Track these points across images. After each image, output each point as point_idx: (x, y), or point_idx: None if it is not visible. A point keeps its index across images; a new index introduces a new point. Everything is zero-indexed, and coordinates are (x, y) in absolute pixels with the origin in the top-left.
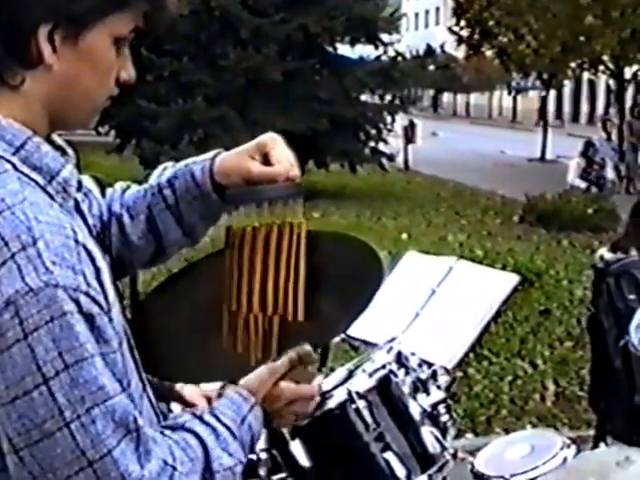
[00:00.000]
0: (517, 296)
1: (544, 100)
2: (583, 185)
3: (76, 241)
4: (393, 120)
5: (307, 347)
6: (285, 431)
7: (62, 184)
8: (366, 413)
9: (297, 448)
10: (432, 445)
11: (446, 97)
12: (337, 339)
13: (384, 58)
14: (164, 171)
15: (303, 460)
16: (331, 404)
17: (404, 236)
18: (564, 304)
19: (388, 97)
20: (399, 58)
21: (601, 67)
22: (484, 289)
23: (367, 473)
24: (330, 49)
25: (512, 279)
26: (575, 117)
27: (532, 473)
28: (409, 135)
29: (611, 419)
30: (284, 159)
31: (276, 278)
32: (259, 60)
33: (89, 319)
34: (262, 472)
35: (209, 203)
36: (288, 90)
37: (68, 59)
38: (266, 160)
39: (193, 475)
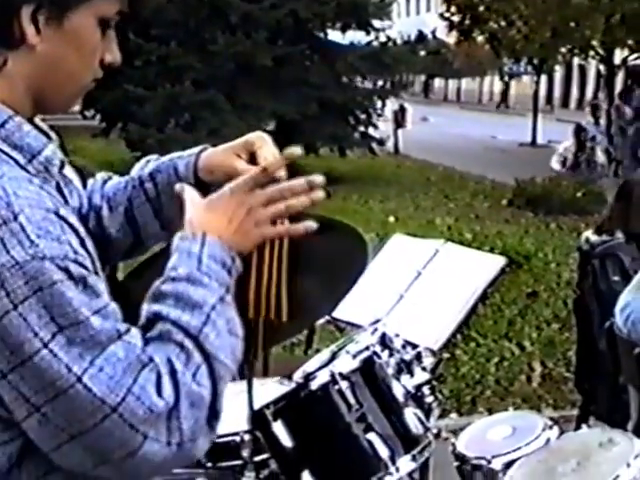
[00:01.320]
0: (505, 278)
1: (536, 85)
2: (559, 168)
3: (57, 214)
4: (384, 105)
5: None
6: (268, 412)
7: (44, 163)
8: (349, 394)
9: (279, 429)
10: (415, 426)
11: (437, 82)
12: (322, 320)
13: (375, 44)
14: (147, 164)
15: (286, 441)
16: (314, 385)
17: (391, 219)
18: (552, 287)
19: (380, 82)
20: (389, 43)
21: (591, 52)
22: (471, 271)
23: (350, 454)
24: (320, 35)
25: (499, 261)
26: (565, 102)
27: (514, 454)
28: (399, 120)
29: (595, 400)
30: (270, 156)
31: (258, 279)
32: (248, 45)
33: (80, 281)
34: (245, 453)
35: None
36: (278, 75)
37: (52, 40)
38: (253, 159)
39: (189, 356)
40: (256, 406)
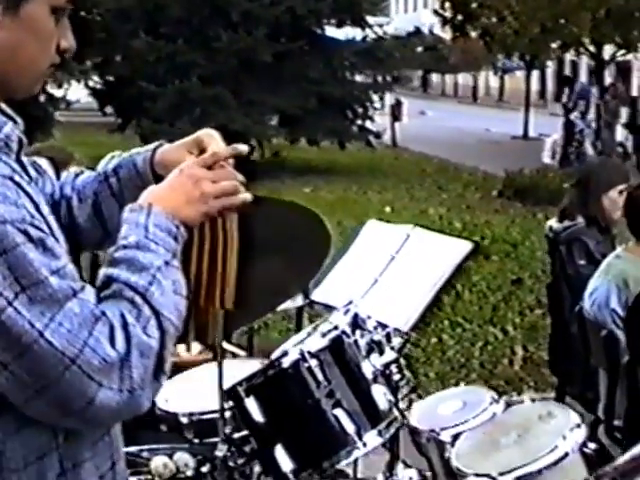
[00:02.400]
0: (492, 266)
1: (527, 80)
2: (550, 161)
3: (12, 179)
4: (382, 99)
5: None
6: (240, 389)
7: (3, 140)
8: (318, 371)
9: (252, 405)
10: (382, 403)
11: (435, 77)
12: (301, 303)
13: (369, 39)
14: (111, 159)
15: (258, 416)
16: (284, 363)
17: (387, 209)
18: (536, 274)
19: (379, 77)
20: (383, 39)
21: (580, 48)
22: (439, 255)
23: (319, 428)
24: (318, 31)
25: (466, 246)
26: (558, 97)
27: (461, 427)
28: (396, 113)
29: (570, 381)
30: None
31: (211, 269)
32: (250, 42)
33: (39, 243)
34: (227, 430)
35: None
36: (278, 70)
37: (10, 29)
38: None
39: (139, 311)
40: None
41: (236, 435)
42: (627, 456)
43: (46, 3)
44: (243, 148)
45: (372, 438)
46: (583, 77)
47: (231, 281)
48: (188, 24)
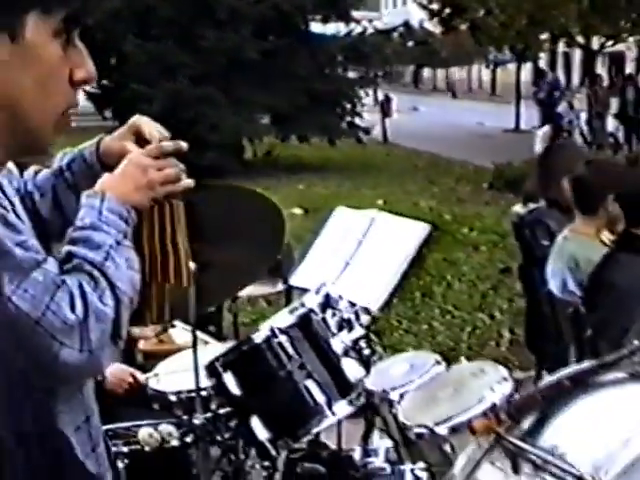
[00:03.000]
0: (482, 256)
1: (518, 72)
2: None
3: None
4: (368, 95)
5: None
6: (218, 364)
7: None
8: (288, 346)
9: (229, 379)
10: (352, 375)
11: (427, 72)
12: (281, 288)
13: (355, 34)
14: (64, 156)
15: (234, 389)
16: (257, 339)
17: (380, 202)
18: None
19: (366, 73)
20: (367, 32)
21: (568, 39)
22: (402, 237)
23: (291, 399)
24: (303, 27)
25: (425, 227)
26: (537, 92)
27: (407, 386)
28: (385, 109)
29: (545, 359)
30: (154, 131)
31: (162, 249)
32: (236, 40)
33: (1, 219)
34: (213, 406)
35: None
36: (267, 68)
37: (9, 63)
38: (140, 142)
39: (96, 282)
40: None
41: (221, 411)
42: (524, 393)
43: (42, 26)
44: (184, 144)
45: (342, 407)
46: (576, 69)
47: (182, 260)
48: (176, 24)
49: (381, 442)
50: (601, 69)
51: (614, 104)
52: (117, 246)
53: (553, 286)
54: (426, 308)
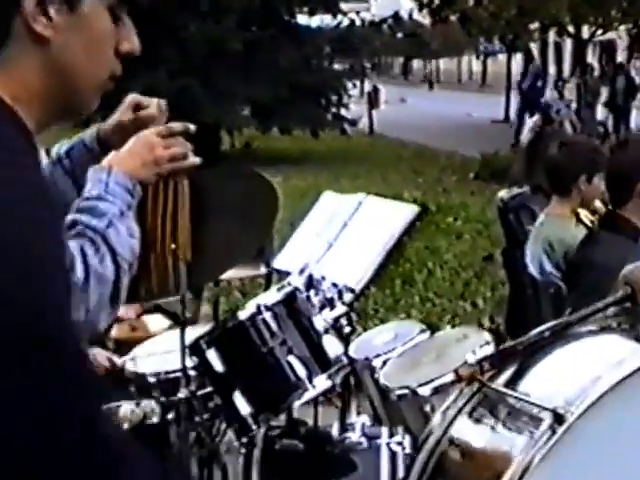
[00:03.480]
0: (465, 245)
1: (508, 63)
2: None
3: None
4: (355, 86)
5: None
6: (202, 342)
7: None
8: (272, 323)
9: (213, 356)
10: (333, 351)
11: (416, 64)
12: (264, 271)
13: (343, 26)
14: (61, 146)
15: (218, 366)
16: (242, 316)
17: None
18: None
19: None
20: (356, 24)
21: (559, 28)
22: (388, 220)
23: (273, 374)
24: (288, 19)
25: (413, 210)
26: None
27: (390, 353)
28: (372, 100)
29: None
30: (152, 100)
31: (163, 223)
32: (219, 31)
33: None
34: (192, 387)
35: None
36: (249, 60)
37: (64, 31)
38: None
39: (97, 247)
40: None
41: (200, 392)
42: (507, 345)
43: (98, 1)
44: (192, 126)
45: (322, 382)
46: (567, 58)
47: (183, 235)
48: (157, 15)
49: (358, 418)
50: (592, 58)
51: (605, 93)
52: (120, 216)
53: (532, 269)
54: (406, 295)
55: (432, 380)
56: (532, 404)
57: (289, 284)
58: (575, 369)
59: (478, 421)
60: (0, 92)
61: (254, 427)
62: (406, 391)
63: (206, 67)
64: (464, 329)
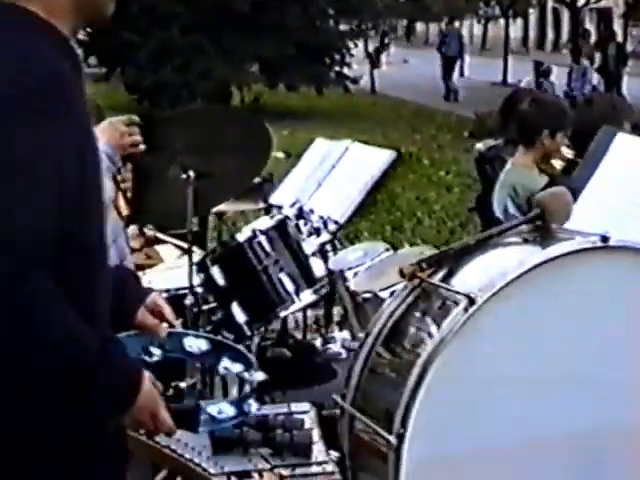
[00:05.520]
0: (453, 197)
1: (506, 27)
2: None
3: None
4: (365, 46)
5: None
6: (207, 259)
7: None
8: (266, 245)
9: (216, 272)
10: (318, 271)
11: (419, 27)
12: (262, 205)
13: None
14: None
15: (220, 280)
16: (240, 238)
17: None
18: None
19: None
20: None
21: None
22: (370, 163)
23: (266, 288)
24: None
25: (391, 155)
26: (541, 44)
27: (360, 267)
28: (374, 60)
29: None
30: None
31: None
32: None
33: None
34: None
35: None
36: (257, 20)
37: None
38: None
39: None
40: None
41: (205, 307)
42: (441, 251)
43: None
44: (136, 118)
45: (307, 295)
46: (565, 25)
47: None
48: None
49: (339, 334)
50: (589, 25)
51: (598, 59)
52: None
53: (498, 212)
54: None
55: (391, 285)
56: (455, 292)
57: (280, 212)
58: (489, 267)
59: (414, 307)
60: (36, 9)
61: (249, 333)
62: (370, 295)
63: (215, 26)
64: (422, 247)
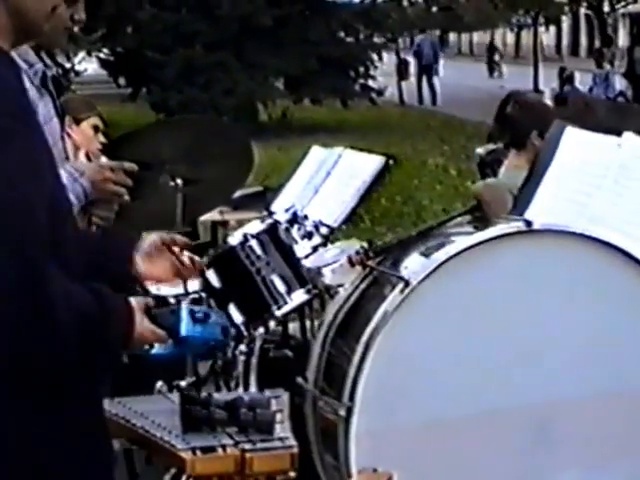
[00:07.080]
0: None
1: (535, 35)
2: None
3: None
4: (397, 57)
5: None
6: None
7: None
8: (257, 248)
9: (211, 275)
10: (309, 270)
11: (452, 37)
12: (264, 213)
13: (367, 1)
14: None
15: (216, 283)
16: (233, 242)
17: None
18: None
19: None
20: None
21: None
22: (362, 169)
23: (259, 289)
24: None
25: (381, 160)
26: (574, 51)
27: (336, 264)
28: (402, 72)
29: None
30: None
31: None
32: (250, 8)
33: None
34: None
35: None
36: (279, 35)
37: None
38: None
39: None
40: None
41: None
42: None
43: None
44: (130, 165)
45: (299, 295)
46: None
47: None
48: None
49: None
50: (622, 30)
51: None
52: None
53: None
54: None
55: None
56: (396, 276)
57: (271, 217)
58: (426, 254)
59: (365, 292)
60: None
61: (246, 333)
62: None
63: (239, 42)
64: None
